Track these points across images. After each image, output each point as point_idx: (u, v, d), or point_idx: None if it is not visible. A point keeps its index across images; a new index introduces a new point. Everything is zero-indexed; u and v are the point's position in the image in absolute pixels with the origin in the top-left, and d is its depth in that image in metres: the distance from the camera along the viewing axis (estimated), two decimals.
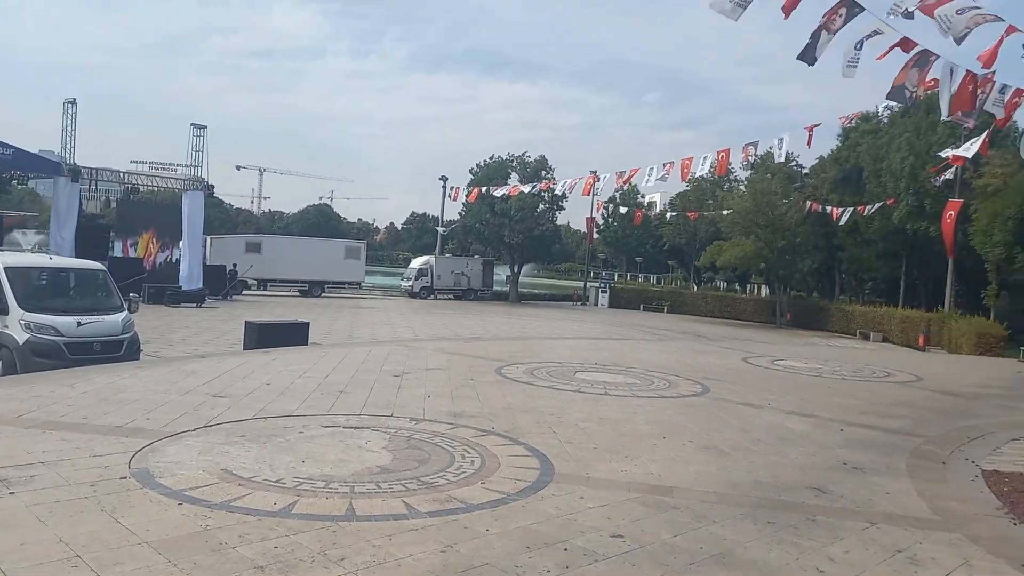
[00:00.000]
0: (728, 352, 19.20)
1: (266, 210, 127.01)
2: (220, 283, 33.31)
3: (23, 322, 11.18)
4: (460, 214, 53.41)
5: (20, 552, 4.10)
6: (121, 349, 12.09)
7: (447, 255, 54.30)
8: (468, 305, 42.74)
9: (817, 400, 11.43)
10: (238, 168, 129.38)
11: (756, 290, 53.59)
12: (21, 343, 11.03)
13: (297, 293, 41.34)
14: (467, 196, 45.74)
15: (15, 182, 32.82)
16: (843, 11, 10.48)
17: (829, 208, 36.92)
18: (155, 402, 8.23)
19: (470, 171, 51.19)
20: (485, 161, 50.67)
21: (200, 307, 28.21)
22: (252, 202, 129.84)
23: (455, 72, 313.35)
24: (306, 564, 4.20)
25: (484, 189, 42.60)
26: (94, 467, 5.74)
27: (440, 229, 57.47)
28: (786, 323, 39.29)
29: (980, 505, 6.26)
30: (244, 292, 36.53)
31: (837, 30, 10.48)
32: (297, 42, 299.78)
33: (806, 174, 45.94)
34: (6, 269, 11.71)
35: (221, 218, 78.04)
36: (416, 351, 15.06)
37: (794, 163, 46.21)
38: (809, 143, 26.71)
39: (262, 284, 40.72)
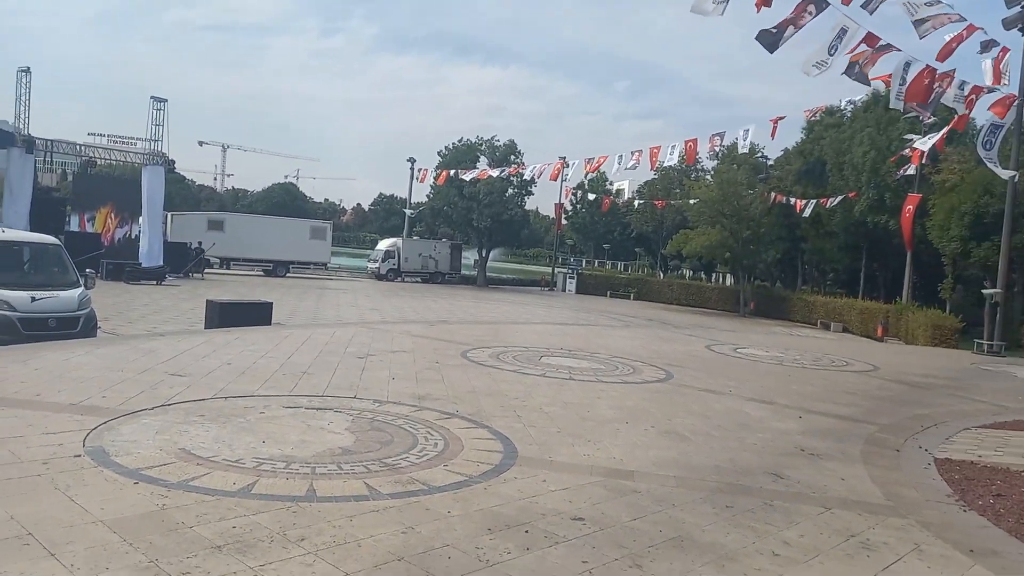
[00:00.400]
0: (692, 339, 19.44)
1: (229, 187, 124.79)
2: (181, 261, 32.68)
3: None
4: (428, 197, 53.05)
5: None
6: (77, 326, 11.81)
7: (415, 238, 54.00)
8: (435, 288, 42.60)
9: (777, 387, 11.64)
10: (200, 144, 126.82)
11: (721, 279, 54.32)
12: None
13: (261, 273, 40.75)
14: (435, 179, 45.43)
15: None
16: (812, 8, 10.61)
17: (793, 200, 37.53)
18: (111, 380, 8.04)
19: (439, 154, 50.85)
20: (454, 144, 50.35)
21: (160, 285, 27.65)
22: (215, 179, 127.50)
23: (422, 54, 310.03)
24: (265, 544, 4.15)
25: (453, 172, 42.38)
26: (47, 445, 5.59)
27: (408, 211, 57.01)
28: (749, 312, 39.93)
29: (932, 492, 6.43)
30: (206, 271, 35.89)
31: (804, 25, 10.62)
32: (261, 17, 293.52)
33: (771, 166, 46.59)
34: None
35: (183, 194, 76.30)
36: (382, 334, 14.96)
37: (759, 155, 46.82)
38: (773, 135, 27.16)
39: (225, 263, 40.07)
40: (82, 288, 12.42)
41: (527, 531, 4.70)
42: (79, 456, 5.41)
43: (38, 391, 7.30)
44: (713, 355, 15.83)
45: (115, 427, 6.26)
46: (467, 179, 43.18)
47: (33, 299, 11.36)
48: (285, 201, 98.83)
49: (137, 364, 9.13)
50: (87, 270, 13.94)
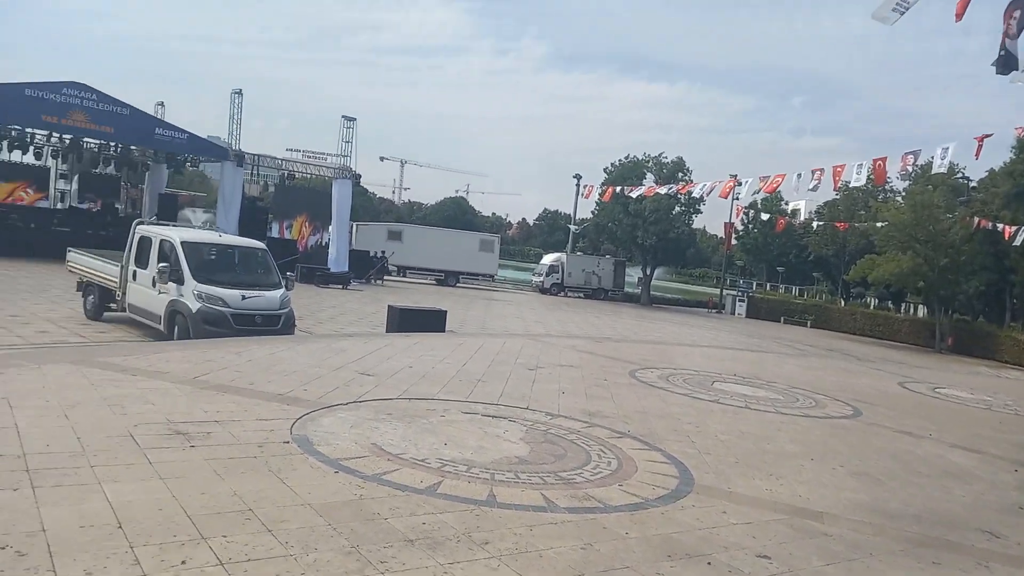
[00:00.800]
0: (881, 374, 17.91)
1: (406, 200, 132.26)
2: (364, 267, 35.04)
3: (196, 292, 12.20)
4: (593, 213, 53.16)
5: (201, 501, 4.49)
6: (279, 323, 12.95)
7: (578, 253, 54.22)
8: (598, 305, 42.50)
9: (986, 435, 10.42)
10: (382, 159, 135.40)
11: (912, 310, 49.62)
12: (194, 311, 12.04)
13: (433, 281, 42.77)
14: (601, 195, 45.36)
15: (188, 164, 36.03)
16: (1017, 13, 9.51)
17: (1000, 226, 33.53)
18: (310, 375, 8.76)
19: (604, 170, 50.99)
20: (620, 160, 50.24)
21: (345, 289, 29.77)
22: (393, 192, 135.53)
23: (590, 71, 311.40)
24: (452, 543, 4.31)
25: (618, 189, 42.23)
26: (260, 430, 6.18)
27: (572, 227, 57.46)
28: (947, 348, 36.09)
29: None
30: (385, 278, 38.25)
31: (1017, 34, 9.55)
32: (441, 40, 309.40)
33: (974, 188, 42.00)
34: (183, 244, 12.82)
35: (365, 206, 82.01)
36: (548, 347, 15.14)
37: (959, 175, 42.38)
38: (978, 154, 24.19)
39: (401, 271, 42.48)
40: (283, 289, 13.61)
41: (709, 563, 4.52)
42: (287, 443, 5.93)
43: (251, 380, 8.10)
44: (907, 393, 14.48)
45: (316, 418, 6.80)
46: (633, 196, 42.79)
47: (243, 297, 12.60)
48: (456, 214, 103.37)
49: (331, 362, 9.88)
50: (287, 273, 15.31)
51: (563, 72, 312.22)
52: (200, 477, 4.91)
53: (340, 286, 30.07)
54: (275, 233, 33.50)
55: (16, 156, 30.41)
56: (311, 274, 29.73)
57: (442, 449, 6.27)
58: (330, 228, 34.89)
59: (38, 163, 30.83)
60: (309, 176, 40.16)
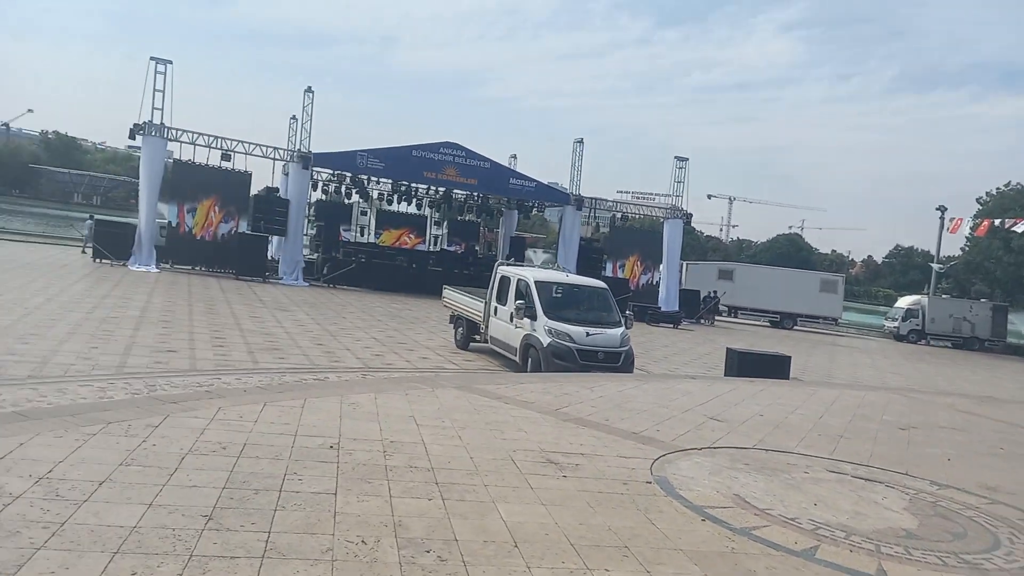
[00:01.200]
0: None
1: (734, 238, 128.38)
2: (694, 306, 34.72)
3: (547, 328, 13.16)
4: (962, 249, 46.04)
5: (579, 531, 4.70)
6: (619, 361, 13.34)
7: (942, 295, 47.14)
8: (971, 357, 36.25)
9: None
10: (709, 197, 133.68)
11: None
12: (545, 345, 13.00)
13: (767, 323, 40.66)
14: (973, 229, 39.29)
15: (535, 210, 39.46)
16: None
17: None
18: (660, 416, 8.80)
19: (977, 200, 44.41)
20: (998, 189, 43.17)
21: (676, 328, 29.73)
22: (720, 230, 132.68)
23: (953, 89, 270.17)
24: None
25: (997, 221, 36.18)
26: (622, 467, 6.33)
27: (936, 266, 50.15)
28: None
29: None
30: (715, 318, 37.43)
31: None
32: (775, 72, 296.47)
33: None
34: (536, 283, 13.96)
35: (692, 244, 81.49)
36: (918, 403, 13.25)
37: None
38: None
39: (732, 311, 41.16)
40: (623, 328, 14.00)
41: None
42: (649, 483, 5.97)
43: (606, 416, 8.40)
44: None
45: (673, 461, 6.77)
46: (1018, 230, 36.24)
47: (587, 334, 13.25)
48: (789, 252, 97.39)
49: (678, 403, 9.83)
50: (626, 312, 15.73)
51: (918, 93, 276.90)
52: (576, 507, 5.16)
53: (671, 325, 30.13)
54: (608, 272, 34.89)
55: (402, 207, 36.43)
56: (642, 312, 30.25)
57: (812, 509, 5.77)
58: (661, 267, 35.36)
59: (417, 212, 36.46)
60: (640, 216, 41.26)
